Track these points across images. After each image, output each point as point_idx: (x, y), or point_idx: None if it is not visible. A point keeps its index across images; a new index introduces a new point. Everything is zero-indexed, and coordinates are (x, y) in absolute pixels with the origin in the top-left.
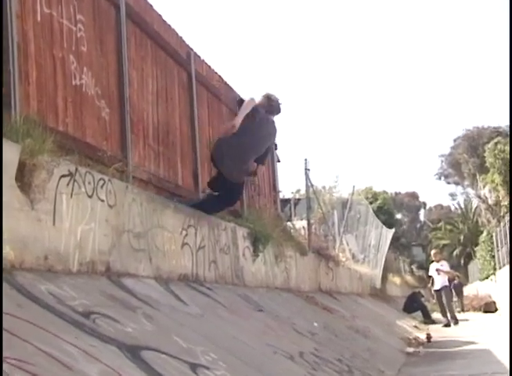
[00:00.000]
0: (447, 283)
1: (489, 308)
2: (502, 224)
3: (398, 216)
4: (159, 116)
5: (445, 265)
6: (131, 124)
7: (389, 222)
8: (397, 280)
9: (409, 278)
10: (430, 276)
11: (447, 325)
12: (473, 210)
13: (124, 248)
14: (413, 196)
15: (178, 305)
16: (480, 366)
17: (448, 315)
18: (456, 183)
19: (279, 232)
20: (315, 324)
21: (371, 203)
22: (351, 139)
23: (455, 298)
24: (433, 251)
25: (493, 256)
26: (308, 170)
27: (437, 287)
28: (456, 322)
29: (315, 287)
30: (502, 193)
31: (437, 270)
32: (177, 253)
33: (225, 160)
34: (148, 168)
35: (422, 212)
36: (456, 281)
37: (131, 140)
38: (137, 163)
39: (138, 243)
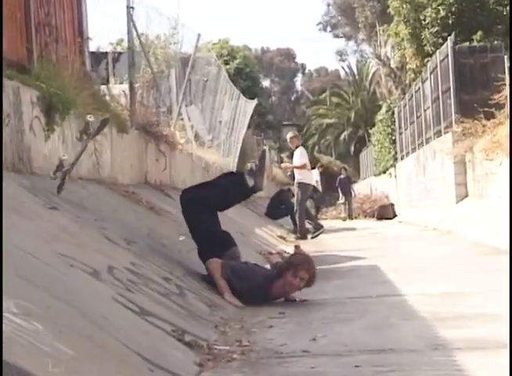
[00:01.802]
0: (305, 180)
1: (385, 213)
2: (407, 96)
3: (265, 83)
4: None
5: (298, 155)
6: None
7: (251, 91)
8: None
9: (277, 171)
10: None
11: (315, 233)
12: (369, 76)
13: None
14: (287, 55)
15: None
16: (362, 287)
17: (298, 225)
18: (348, 37)
19: (87, 98)
20: (182, 238)
21: (226, 63)
22: None
23: (341, 200)
24: (289, 135)
25: (394, 141)
26: (132, 8)
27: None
28: (303, 236)
29: (140, 179)
30: (410, 51)
31: (282, 166)
32: None
33: None
34: None
35: (299, 78)
36: (342, 176)
37: None
38: None
39: None
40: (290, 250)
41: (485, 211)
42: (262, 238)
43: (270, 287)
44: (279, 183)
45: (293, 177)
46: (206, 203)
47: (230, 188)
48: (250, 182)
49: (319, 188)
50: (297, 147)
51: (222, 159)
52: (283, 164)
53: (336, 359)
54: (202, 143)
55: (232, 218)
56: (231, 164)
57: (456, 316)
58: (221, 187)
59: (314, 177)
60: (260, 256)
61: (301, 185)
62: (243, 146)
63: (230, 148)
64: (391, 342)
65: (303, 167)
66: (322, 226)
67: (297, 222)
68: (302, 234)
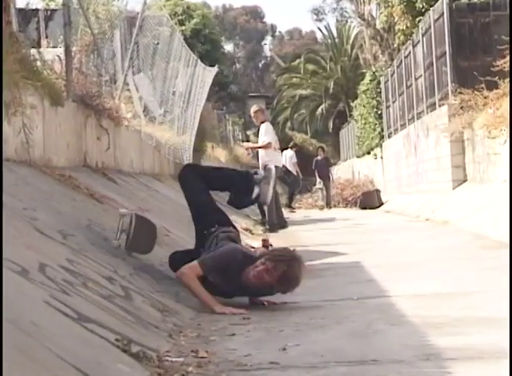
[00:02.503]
0: (271, 163)
1: (370, 201)
2: (396, 63)
3: (228, 47)
4: None
5: (262, 133)
6: None
7: (211, 57)
8: (221, 153)
9: (242, 151)
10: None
11: (276, 227)
12: (351, 39)
13: None
14: (254, 13)
15: None
16: (342, 287)
17: (267, 215)
18: None
19: (14, 63)
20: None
21: (181, 23)
22: None
23: (319, 185)
24: (252, 108)
25: (380, 116)
26: None
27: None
28: (272, 228)
29: (78, 161)
30: (399, 9)
31: (244, 146)
32: None
33: None
34: None
35: (268, 42)
36: (319, 157)
37: None
38: None
39: None
40: (257, 244)
41: (487, 197)
42: None
43: (243, 269)
44: (243, 165)
45: (258, 159)
46: (206, 180)
47: (236, 178)
48: (256, 191)
49: (296, 171)
50: (262, 123)
51: (177, 137)
52: (244, 144)
53: (309, 372)
54: (152, 118)
55: (186, 207)
56: (187, 143)
57: (451, 321)
58: (227, 174)
59: (283, 158)
60: None
61: (269, 170)
62: (202, 122)
63: (186, 124)
64: (374, 352)
65: (267, 146)
66: (286, 224)
67: (266, 212)
68: (271, 226)
